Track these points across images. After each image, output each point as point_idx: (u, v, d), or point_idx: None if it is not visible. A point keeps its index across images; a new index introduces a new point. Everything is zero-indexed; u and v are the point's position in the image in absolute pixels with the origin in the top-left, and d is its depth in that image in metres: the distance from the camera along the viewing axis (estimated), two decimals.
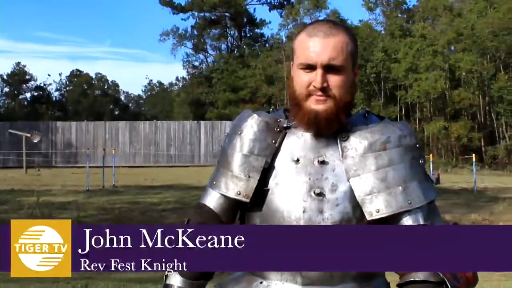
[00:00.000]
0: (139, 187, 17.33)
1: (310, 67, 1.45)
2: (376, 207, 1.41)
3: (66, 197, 14.01)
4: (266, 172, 1.51)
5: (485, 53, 32.03)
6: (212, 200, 1.59)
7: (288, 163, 1.50)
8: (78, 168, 26.32)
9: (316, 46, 1.44)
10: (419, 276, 1.38)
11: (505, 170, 27.63)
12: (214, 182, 1.58)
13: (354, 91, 1.51)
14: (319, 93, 1.44)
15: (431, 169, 17.76)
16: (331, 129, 1.48)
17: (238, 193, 1.52)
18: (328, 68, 1.43)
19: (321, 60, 1.43)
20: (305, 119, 1.47)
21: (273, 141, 1.53)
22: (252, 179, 1.50)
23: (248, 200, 1.50)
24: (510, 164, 29.50)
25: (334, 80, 1.44)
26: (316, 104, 1.44)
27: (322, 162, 1.48)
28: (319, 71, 1.43)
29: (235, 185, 1.52)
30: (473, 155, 19.24)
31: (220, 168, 1.58)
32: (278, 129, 1.54)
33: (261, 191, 1.51)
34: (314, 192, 1.45)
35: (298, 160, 1.49)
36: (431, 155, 19.30)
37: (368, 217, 1.41)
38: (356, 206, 1.44)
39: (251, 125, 1.56)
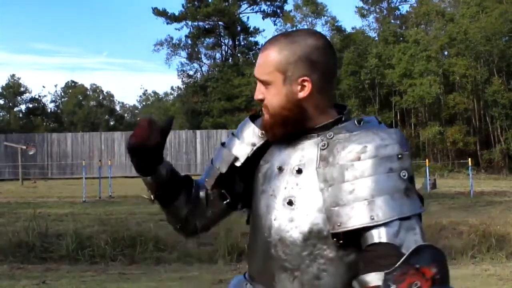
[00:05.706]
0: (136, 197, 17.28)
1: None
2: (339, 221, 1.34)
3: (62, 208, 13.95)
4: (254, 179, 1.59)
5: (478, 58, 32.20)
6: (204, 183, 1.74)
7: (272, 171, 1.54)
8: (74, 179, 26.20)
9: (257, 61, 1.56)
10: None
11: (501, 174, 27.73)
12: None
13: (295, 106, 1.47)
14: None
15: (427, 174, 17.79)
16: (275, 138, 1.53)
17: (206, 180, 1.69)
18: (262, 82, 1.52)
19: (255, 74, 1.54)
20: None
21: (254, 145, 1.61)
22: (219, 171, 1.64)
23: (209, 188, 1.67)
24: (506, 168, 29.62)
25: (266, 93, 1.51)
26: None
27: (299, 171, 1.47)
28: (257, 84, 1.53)
29: (210, 176, 1.68)
30: (469, 159, 19.31)
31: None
32: (262, 136, 1.60)
33: (251, 197, 1.60)
34: (287, 201, 1.46)
35: (280, 168, 1.51)
36: (427, 160, 19.32)
37: (331, 230, 1.35)
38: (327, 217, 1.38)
39: (242, 129, 1.67)
